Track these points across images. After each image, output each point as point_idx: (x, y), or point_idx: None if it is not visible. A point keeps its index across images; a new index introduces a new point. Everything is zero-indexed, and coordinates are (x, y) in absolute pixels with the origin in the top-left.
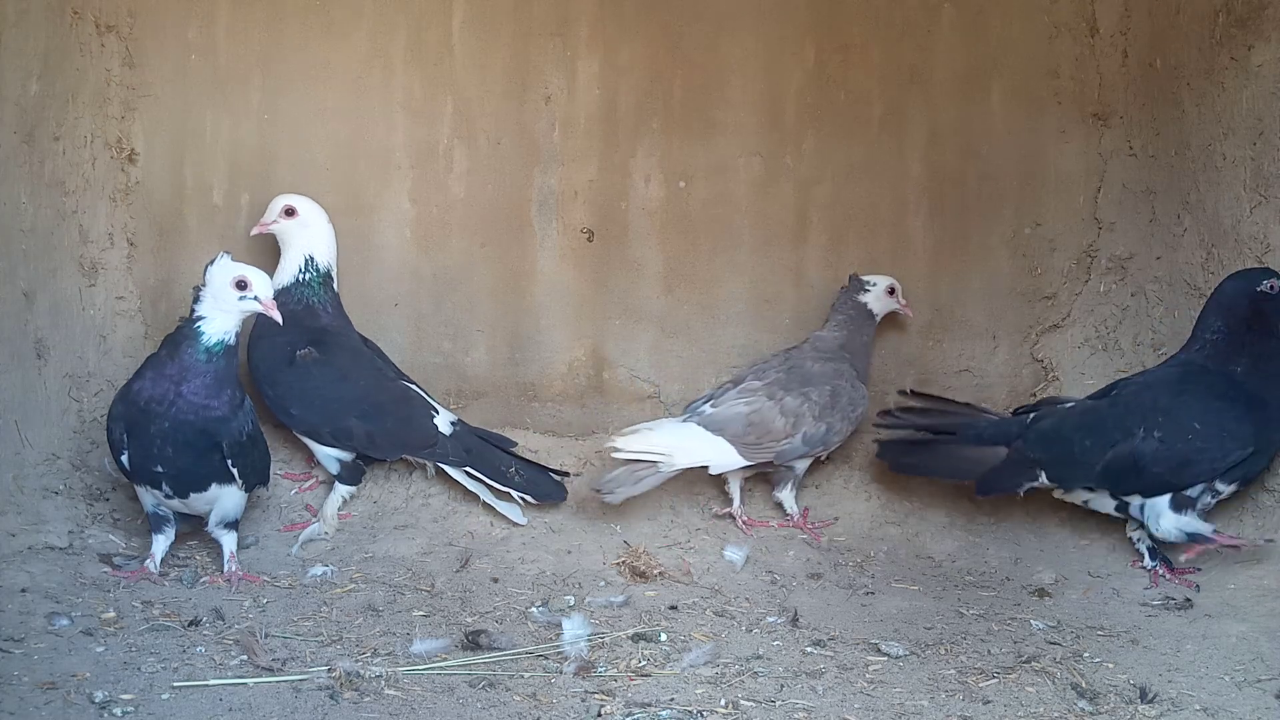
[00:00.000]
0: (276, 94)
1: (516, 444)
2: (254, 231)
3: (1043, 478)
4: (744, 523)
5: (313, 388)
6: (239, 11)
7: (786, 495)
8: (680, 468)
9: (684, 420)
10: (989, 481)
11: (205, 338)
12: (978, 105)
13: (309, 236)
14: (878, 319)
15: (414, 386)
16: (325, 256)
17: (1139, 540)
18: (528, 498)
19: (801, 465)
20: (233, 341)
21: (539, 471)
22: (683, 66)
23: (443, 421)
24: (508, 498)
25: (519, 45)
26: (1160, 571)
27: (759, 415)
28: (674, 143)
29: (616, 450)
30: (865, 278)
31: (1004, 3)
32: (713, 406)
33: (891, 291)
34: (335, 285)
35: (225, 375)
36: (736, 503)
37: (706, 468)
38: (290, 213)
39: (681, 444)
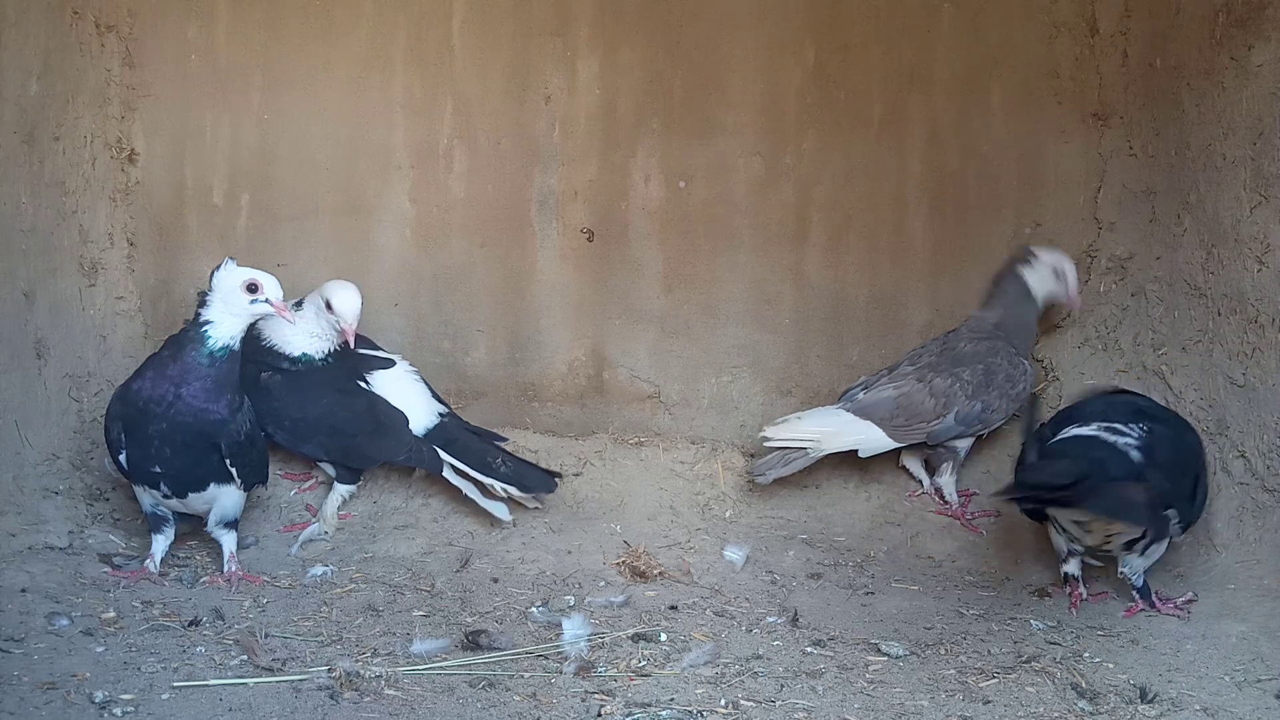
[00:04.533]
0: (276, 94)
1: (507, 439)
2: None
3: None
4: (940, 498)
5: (279, 408)
6: (239, 11)
7: (946, 481)
8: (828, 451)
9: (837, 406)
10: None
11: (211, 341)
12: (978, 105)
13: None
14: (1039, 303)
15: (397, 374)
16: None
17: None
18: (512, 489)
19: (962, 445)
20: (237, 347)
21: (527, 465)
22: (683, 66)
23: (423, 420)
24: (494, 494)
25: (519, 45)
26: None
27: (907, 398)
28: (674, 143)
29: (767, 440)
30: (1034, 248)
31: (1004, 3)
32: (865, 392)
33: (1058, 275)
34: None
35: (226, 379)
36: (926, 481)
37: (856, 451)
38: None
39: (830, 430)
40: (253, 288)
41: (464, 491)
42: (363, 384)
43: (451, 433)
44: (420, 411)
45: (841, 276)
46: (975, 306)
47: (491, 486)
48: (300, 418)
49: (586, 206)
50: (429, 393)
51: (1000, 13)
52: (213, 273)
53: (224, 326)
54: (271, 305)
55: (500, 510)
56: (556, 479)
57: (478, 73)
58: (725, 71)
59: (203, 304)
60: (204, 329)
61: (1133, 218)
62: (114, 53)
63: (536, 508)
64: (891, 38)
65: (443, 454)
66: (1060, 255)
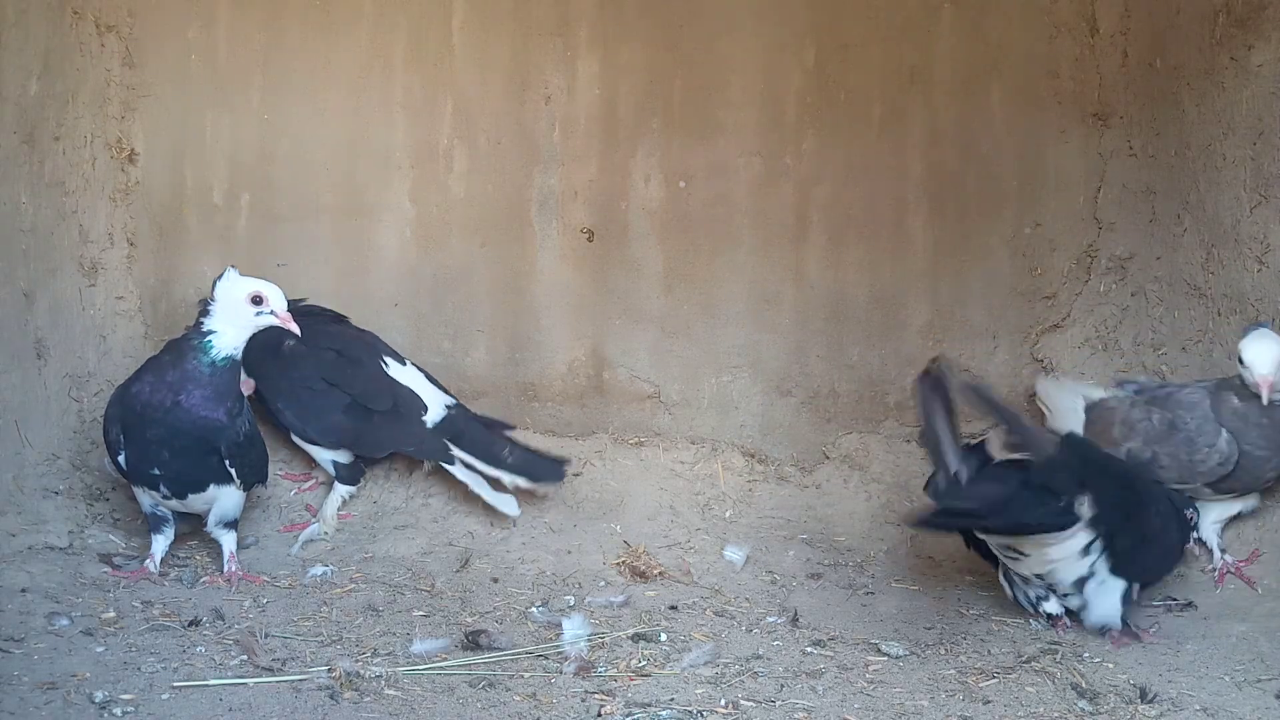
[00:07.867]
0: (276, 94)
1: (514, 426)
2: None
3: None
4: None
5: (299, 379)
6: (239, 11)
7: None
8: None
9: (1099, 387)
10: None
11: (214, 351)
12: (978, 105)
13: None
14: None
15: (407, 370)
16: None
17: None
18: (520, 481)
19: None
20: (239, 356)
21: (535, 455)
22: (683, 66)
23: (433, 412)
24: (502, 488)
25: (519, 45)
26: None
27: (1109, 411)
28: (674, 143)
29: (1035, 392)
30: (1253, 328)
31: (1004, 3)
32: (1122, 388)
33: (1242, 363)
34: None
35: (226, 387)
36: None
37: None
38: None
39: (1062, 408)
40: (258, 299)
41: (471, 486)
42: (383, 366)
43: (459, 425)
44: (431, 403)
45: (841, 276)
46: (974, 307)
47: (499, 479)
48: (320, 390)
49: (586, 206)
50: (436, 386)
51: (1000, 13)
52: (215, 281)
53: (227, 337)
54: (277, 317)
55: (509, 505)
56: (565, 466)
57: (478, 73)
58: (725, 71)
59: (205, 313)
60: (207, 339)
61: (1133, 218)
62: (114, 53)
63: (546, 495)
64: (891, 38)
65: (452, 448)
66: (1252, 342)
